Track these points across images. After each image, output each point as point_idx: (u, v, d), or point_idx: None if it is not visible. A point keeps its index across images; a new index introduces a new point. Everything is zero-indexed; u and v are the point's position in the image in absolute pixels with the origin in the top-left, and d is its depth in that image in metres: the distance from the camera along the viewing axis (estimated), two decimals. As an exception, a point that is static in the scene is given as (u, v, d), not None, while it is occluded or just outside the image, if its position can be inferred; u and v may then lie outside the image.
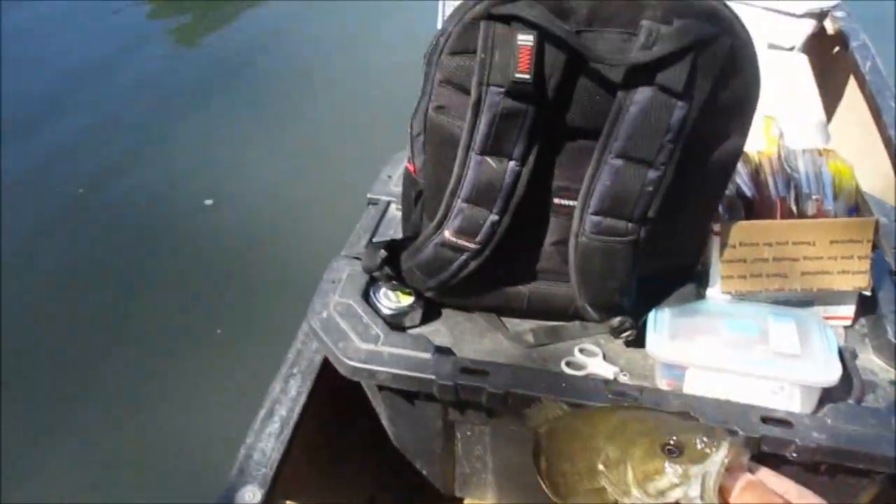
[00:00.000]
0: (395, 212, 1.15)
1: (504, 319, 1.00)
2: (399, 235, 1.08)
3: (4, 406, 1.83)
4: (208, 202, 2.50)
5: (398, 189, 1.10)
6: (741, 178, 0.99)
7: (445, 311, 1.00)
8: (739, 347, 0.88)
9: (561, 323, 0.99)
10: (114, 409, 1.83)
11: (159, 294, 2.18)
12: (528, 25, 0.77)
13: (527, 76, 0.77)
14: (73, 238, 2.39)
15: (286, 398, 1.01)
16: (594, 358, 0.95)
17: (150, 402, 1.86)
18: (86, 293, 2.18)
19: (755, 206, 0.98)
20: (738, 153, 0.87)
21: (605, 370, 0.93)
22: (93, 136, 2.85)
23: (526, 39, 0.76)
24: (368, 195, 1.18)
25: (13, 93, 3.07)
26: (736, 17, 0.80)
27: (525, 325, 0.99)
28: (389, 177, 1.20)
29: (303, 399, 1.00)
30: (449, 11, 1.44)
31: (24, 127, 2.87)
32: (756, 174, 1.00)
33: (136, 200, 2.54)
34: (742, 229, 0.93)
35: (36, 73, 3.30)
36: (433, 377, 0.87)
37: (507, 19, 0.78)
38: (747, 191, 0.98)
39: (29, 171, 2.65)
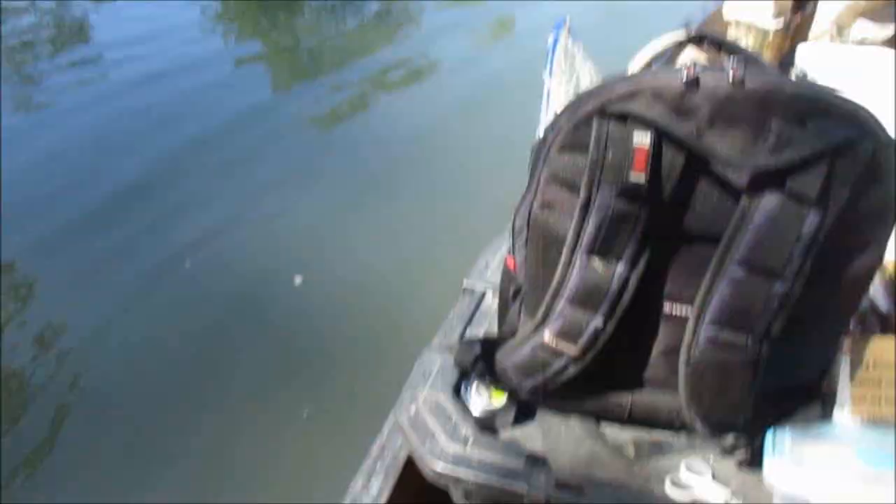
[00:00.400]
0: (490, 301, 1.10)
1: (603, 424, 0.93)
2: (494, 328, 1.03)
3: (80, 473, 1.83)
4: (298, 281, 2.49)
5: (494, 278, 1.06)
6: (876, 289, 0.90)
7: (540, 413, 0.94)
8: (873, 483, 0.78)
9: (666, 436, 0.91)
10: (191, 487, 1.78)
11: (244, 372, 2.14)
12: (645, 124, 0.72)
13: (642, 178, 0.72)
14: (158, 310, 2.39)
15: (367, 495, 0.96)
16: (702, 477, 0.86)
17: (232, 482, 1.81)
18: (171, 366, 2.16)
19: (892, 322, 0.88)
20: (877, 265, 0.79)
21: (715, 494, 0.84)
22: (187, 208, 2.90)
23: (642, 140, 0.72)
24: (464, 283, 1.15)
25: (106, 171, 3.17)
26: (876, 119, 0.73)
27: (626, 434, 0.92)
28: (486, 265, 1.16)
29: (384, 500, 0.95)
30: (553, 93, 1.43)
31: (116, 199, 2.95)
32: (893, 286, 0.91)
33: (227, 274, 2.55)
34: (878, 347, 0.84)
35: (130, 148, 3.35)
36: (524, 489, 0.82)
37: (623, 117, 0.74)
38: (883, 305, 0.89)
39: (119, 244, 2.68)
